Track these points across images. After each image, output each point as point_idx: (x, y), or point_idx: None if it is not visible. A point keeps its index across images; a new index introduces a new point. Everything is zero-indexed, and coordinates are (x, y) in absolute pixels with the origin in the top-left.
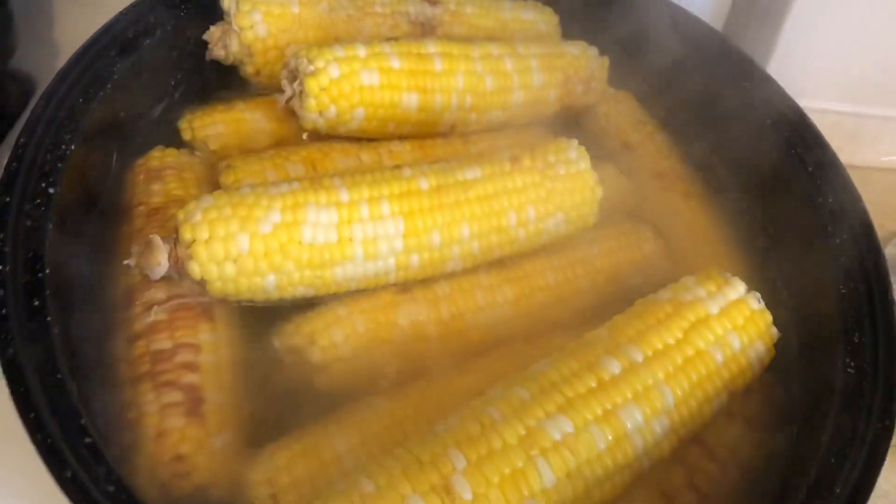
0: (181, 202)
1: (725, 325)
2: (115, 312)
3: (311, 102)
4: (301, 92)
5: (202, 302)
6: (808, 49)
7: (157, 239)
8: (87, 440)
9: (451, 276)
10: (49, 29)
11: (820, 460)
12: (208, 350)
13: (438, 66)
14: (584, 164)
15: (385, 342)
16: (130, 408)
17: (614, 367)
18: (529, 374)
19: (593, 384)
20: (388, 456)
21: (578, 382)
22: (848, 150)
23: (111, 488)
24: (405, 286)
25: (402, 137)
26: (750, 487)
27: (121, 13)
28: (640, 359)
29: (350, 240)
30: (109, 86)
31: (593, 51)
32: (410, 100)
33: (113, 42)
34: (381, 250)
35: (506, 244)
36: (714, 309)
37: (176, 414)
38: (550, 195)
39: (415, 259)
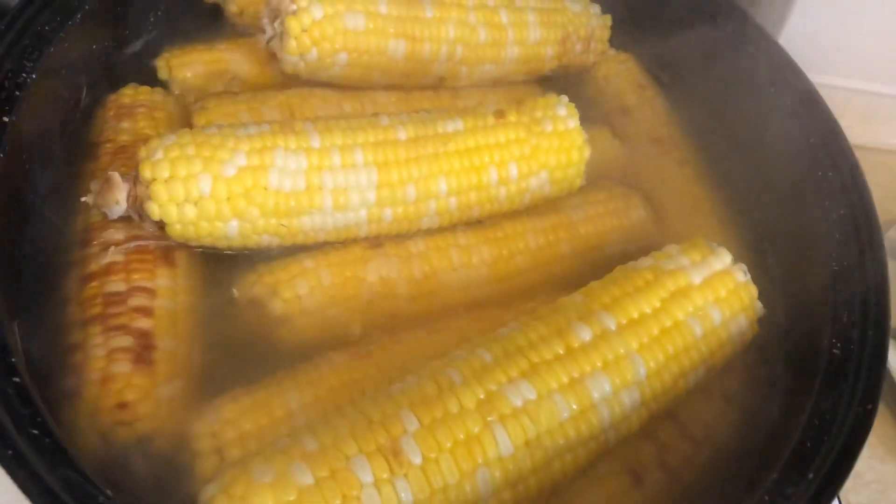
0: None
1: (707, 297)
2: (70, 251)
3: (292, 44)
4: (282, 33)
5: (162, 245)
6: (820, 21)
7: (116, 176)
8: (16, 380)
9: (426, 233)
10: None
11: (795, 444)
12: (165, 295)
13: (429, 13)
14: (573, 121)
15: (352, 298)
16: (77, 351)
17: (585, 333)
18: (495, 337)
19: (561, 351)
20: (338, 414)
21: (545, 348)
22: (858, 129)
23: (35, 431)
24: (378, 241)
25: (387, 88)
26: (723, 469)
27: None
28: (613, 327)
29: (319, 188)
30: (80, 15)
31: (595, 8)
32: (397, 47)
33: None
34: (353, 201)
35: (485, 202)
36: (696, 279)
37: (123, 359)
38: (535, 153)
39: (388, 213)
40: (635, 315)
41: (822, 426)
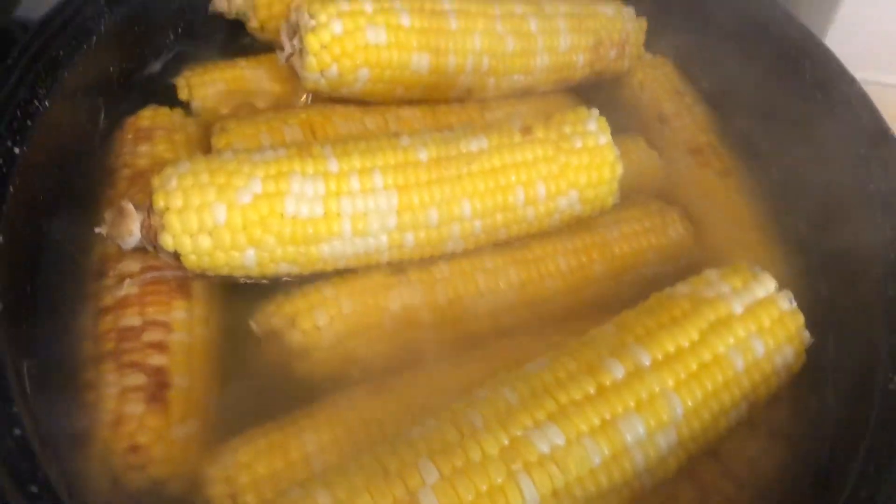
0: None
1: (749, 327)
2: (86, 284)
3: (312, 61)
4: (301, 49)
5: (179, 276)
6: (869, 15)
7: (129, 206)
8: (16, 432)
9: (451, 256)
10: None
11: (850, 488)
12: (180, 329)
13: (454, 24)
14: (605, 137)
15: (373, 328)
16: (90, 389)
17: (617, 370)
18: (521, 375)
19: (591, 390)
20: (353, 462)
21: (574, 387)
22: None
23: (34, 489)
24: (400, 266)
25: (412, 102)
26: None
27: None
28: (647, 362)
29: (338, 214)
30: (95, 38)
31: (629, 12)
32: (421, 61)
33: None
34: (372, 227)
35: (512, 224)
36: (738, 308)
37: (136, 399)
38: (564, 171)
39: (409, 238)
40: (671, 349)
41: (878, 473)
